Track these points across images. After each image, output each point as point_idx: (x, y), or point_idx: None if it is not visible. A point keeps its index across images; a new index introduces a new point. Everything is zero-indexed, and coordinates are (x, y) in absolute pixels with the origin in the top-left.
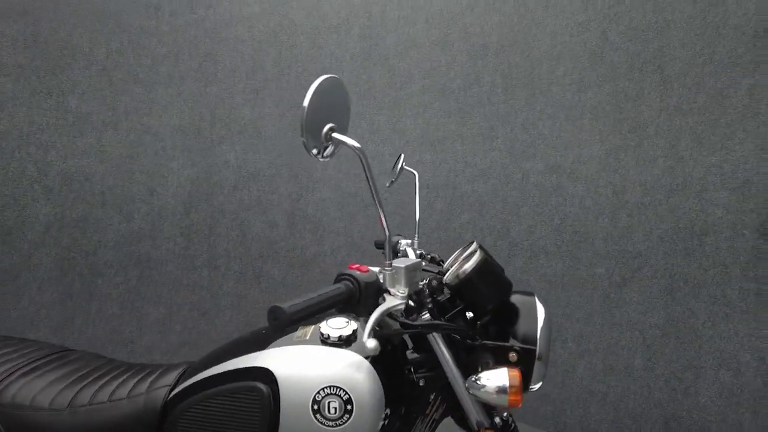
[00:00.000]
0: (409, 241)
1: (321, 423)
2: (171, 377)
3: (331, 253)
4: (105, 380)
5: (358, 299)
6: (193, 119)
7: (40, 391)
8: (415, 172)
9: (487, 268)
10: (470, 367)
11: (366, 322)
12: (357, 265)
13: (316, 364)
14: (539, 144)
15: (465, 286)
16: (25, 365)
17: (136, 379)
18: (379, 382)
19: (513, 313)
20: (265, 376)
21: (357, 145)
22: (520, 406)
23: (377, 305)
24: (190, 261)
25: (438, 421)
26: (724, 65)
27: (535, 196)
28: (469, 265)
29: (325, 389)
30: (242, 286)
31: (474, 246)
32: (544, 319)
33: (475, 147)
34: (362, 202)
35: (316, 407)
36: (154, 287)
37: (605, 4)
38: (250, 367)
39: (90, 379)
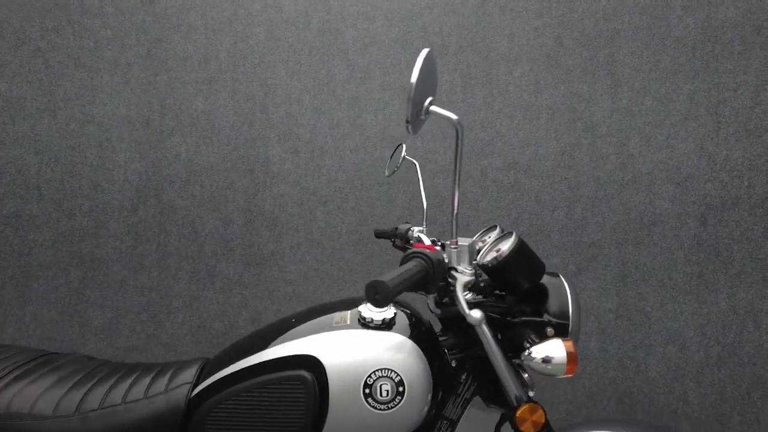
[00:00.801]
0: (422, 228)
1: (373, 407)
2: (190, 374)
3: (290, 250)
4: (112, 382)
5: (431, 277)
6: (141, 109)
7: (40, 397)
8: (415, 162)
9: (525, 250)
10: (510, 344)
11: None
12: (421, 244)
13: (364, 347)
14: (497, 142)
15: (503, 267)
16: (11, 371)
17: (148, 378)
18: (427, 364)
19: (543, 292)
20: (309, 363)
21: (454, 117)
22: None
23: (445, 282)
24: (138, 261)
25: (468, 401)
26: (668, 72)
27: (493, 191)
28: (507, 248)
29: (377, 372)
30: (195, 286)
31: (499, 230)
32: (573, 297)
33: (435, 144)
34: (321, 198)
35: (367, 391)
36: (99, 289)
37: (559, 11)
38: (290, 356)
39: (94, 381)
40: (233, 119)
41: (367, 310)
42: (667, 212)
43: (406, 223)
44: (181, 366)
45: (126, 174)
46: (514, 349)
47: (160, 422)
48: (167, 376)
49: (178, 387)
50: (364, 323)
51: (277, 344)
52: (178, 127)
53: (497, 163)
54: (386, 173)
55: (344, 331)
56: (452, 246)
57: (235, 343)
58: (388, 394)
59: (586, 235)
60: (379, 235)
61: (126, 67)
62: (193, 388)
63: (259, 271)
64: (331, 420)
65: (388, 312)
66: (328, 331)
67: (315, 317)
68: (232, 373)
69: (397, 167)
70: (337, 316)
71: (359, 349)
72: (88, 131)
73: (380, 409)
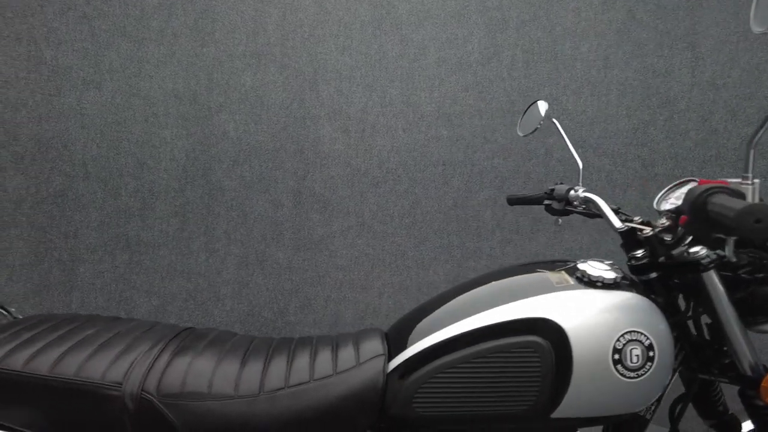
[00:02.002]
0: (585, 188)
1: (621, 375)
2: (376, 346)
3: (341, 234)
4: (285, 358)
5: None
6: (188, 83)
7: (214, 375)
8: (555, 120)
9: None
10: (747, 308)
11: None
12: (705, 180)
13: (607, 309)
14: (563, 119)
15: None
16: (165, 347)
17: (327, 353)
18: (669, 327)
19: None
20: (541, 327)
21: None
22: None
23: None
24: (185, 244)
25: (675, 371)
26: (760, 42)
27: (559, 171)
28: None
29: (626, 335)
30: (244, 272)
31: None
32: None
33: (494, 122)
34: (372, 180)
35: (617, 357)
36: (145, 275)
37: None
38: (515, 320)
39: (263, 358)
40: (282, 96)
41: (593, 269)
42: None
43: (560, 183)
44: (358, 337)
45: (173, 152)
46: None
47: (356, 399)
48: (349, 350)
49: (370, 360)
50: (590, 283)
51: (490, 309)
52: (226, 103)
53: (563, 141)
54: (519, 133)
55: (576, 291)
56: (745, 182)
57: (419, 313)
58: (638, 360)
59: None
60: (516, 201)
61: (172, 37)
62: (388, 361)
63: (310, 255)
64: (573, 391)
65: (616, 270)
66: (552, 292)
67: (517, 279)
68: (437, 344)
69: (540, 125)
70: (553, 276)
71: (602, 311)
72: (134, 105)
73: (629, 377)
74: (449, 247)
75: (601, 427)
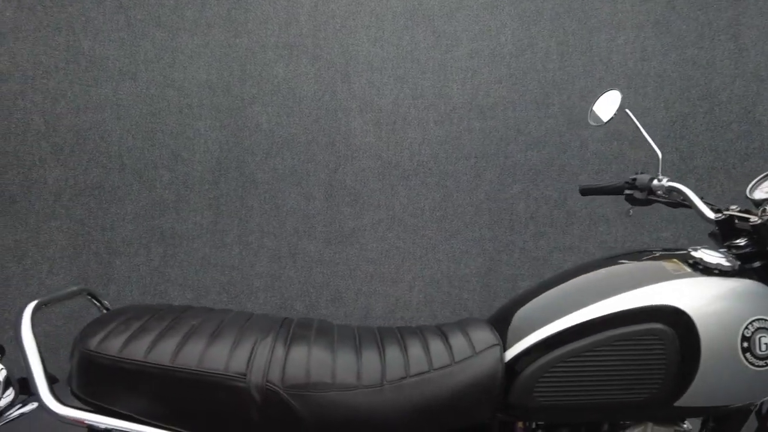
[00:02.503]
0: (668, 177)
1: (751, 363)
2: (487, 335)
3: (371, 227)
4: (398, 348)
5: None
6: (221, 74)
7: (335, 366)
8: (627, 110)
9: None
10: None
11: None
12: None
13: (730, 296)
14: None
15: None
16: (276, 338)
17: (439, 343)
18: None
19: None
20: (668, 315)
21: None
22: None
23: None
24: (219, 237)
25: None
26: None
27: (594, 163)
28: None
29: (754, 323)
30: (276, 265)
31: None
32: None
33: (528, 114)
34: (403, 173)
35: (745, 345)
36: (180, 268)
37: None
38: (639, 308)
39: (377, 348)
40: (314, 88)
41: (710, 256)
42: None
43: (642, 173)
44: (464, 327)
45: (207, 144)
46: None
47: (477, 388)
48: (460, 339)
49: (486, 350)
50: (707, 270)
51: (608, 298)
52: (259, 95)
53: (599, 133)
54: (591, 122)
55: (697, 278)
56: None
57: (524, 303)
58: (767, 348)
59: None
60: (591, 191)
61: (206, 27)
62: (504, 350)
63: (340, 249)
64: (701, 379)
65: (729, 258)
66: (670, 280)
67: (629, 267)
68: (557, 333)
69: (615, 115)
70: (668, 264)
71: (727, 298)
72: (169, 96)
73: (758, 366)
74: (481, 240)
75: (700, 419)
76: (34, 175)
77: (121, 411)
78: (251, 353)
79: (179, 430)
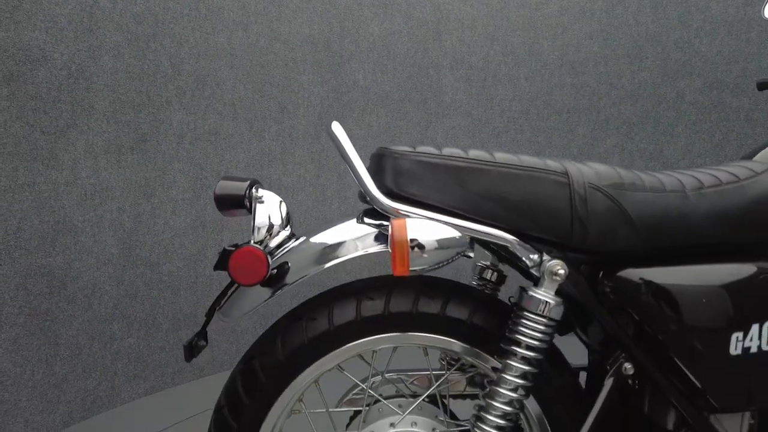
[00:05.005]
0: None
1: None
2: (753, 164)
3: None
4: (669, 174)
5: None
6: (322, 30)
7: (634, 176)
8: None
9: None
10: None
11: None
12: None
13: None
14: (695, 62)
15: None
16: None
17: (708, 172)
18: None
19: None
20: None
21: None
22: None
23: None
24: (320, 191)
25: None
26: None
27: (691, 114)
28: None
29: None
30: None
31: None
32: None
33: (620, 68)
34: (494, 130)
35: None
36: None
37: None
38: None
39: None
40: (407, 46)
41: None
42: None
43: None
44: (721, 164)
45: (309, 98)
46: None
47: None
48: (731, 167)
49: (766, 172)
50: None
51: None
52: (357, 51)
53: (697, 83)
54: (765, 15)
55: None
56: None
57: None
58: None
59: None
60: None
61: None
62: None
63: None
64: None
65: None
66: None
67: None
68: None
69: None
70: None
71: None
72: (276, 49)
73: None
74: None
75: None
76: (161, 116)
77: (442, 206)
78: (561, 162)
79: (500, 224)
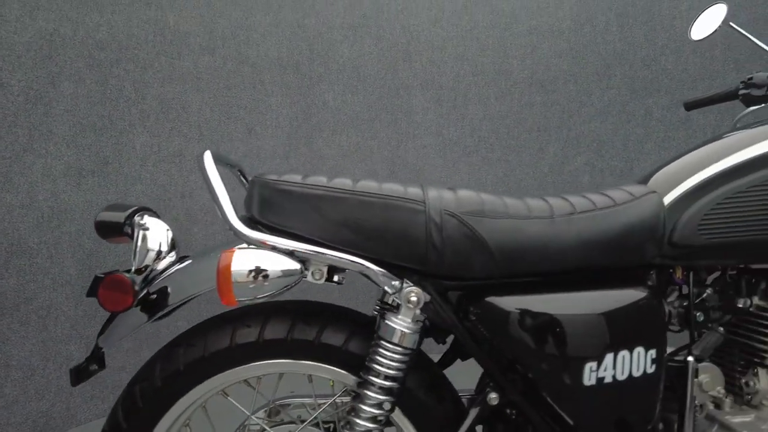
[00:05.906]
0: None
1: None
2: (642, 188)
3: None
4: (560, 198)
5: None
6: (291, 53)
7: (501, 202)
8: (732, 24)
9: None
10: None
11: None
12: None
13: None
14: (662, 79)
15: None
16: (428, 186)
17: (596, 194)
18: None
19: None
20: None
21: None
22: None
23: None
24: None
25: None
26: None
27: (659, 131)
28: None
29: None
30: None
31: None
32: None
33: (590, 86)
34: (465, 149)
35: None
36: None
37: None
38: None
39: (536, 198)
40: (377, 67)
41: None
42: None
43: (758, 72)
44: (618, 186)
45: (277, 119)
46: None
47: (642, 226)
48: (617, 191)
49: (645, 195)
50: None
51: (749, 146)
52: (326, 73)
53: (664, 100)
54: (693, 37)
55: None
56: None
57: (665, 162)
58: None
59: None
60: (697, 104)
61: (277, 8)
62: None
63: None
64: None
65: None
66: None
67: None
68: (716, 174)
69: (717, 29)
70: None
71: None
72: (243, 72)
73: None
74: None
75: None
76: (124, 140)
77: (303, 234)
78: (422, 189)
79: (359, 252)
